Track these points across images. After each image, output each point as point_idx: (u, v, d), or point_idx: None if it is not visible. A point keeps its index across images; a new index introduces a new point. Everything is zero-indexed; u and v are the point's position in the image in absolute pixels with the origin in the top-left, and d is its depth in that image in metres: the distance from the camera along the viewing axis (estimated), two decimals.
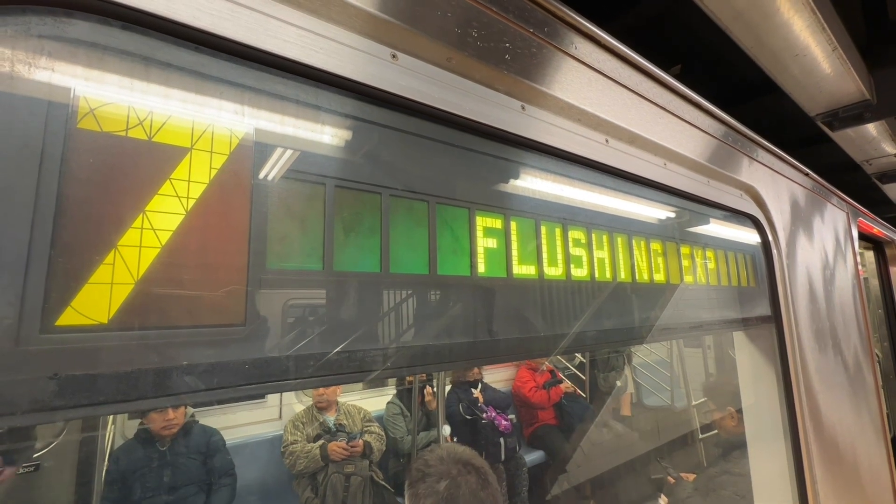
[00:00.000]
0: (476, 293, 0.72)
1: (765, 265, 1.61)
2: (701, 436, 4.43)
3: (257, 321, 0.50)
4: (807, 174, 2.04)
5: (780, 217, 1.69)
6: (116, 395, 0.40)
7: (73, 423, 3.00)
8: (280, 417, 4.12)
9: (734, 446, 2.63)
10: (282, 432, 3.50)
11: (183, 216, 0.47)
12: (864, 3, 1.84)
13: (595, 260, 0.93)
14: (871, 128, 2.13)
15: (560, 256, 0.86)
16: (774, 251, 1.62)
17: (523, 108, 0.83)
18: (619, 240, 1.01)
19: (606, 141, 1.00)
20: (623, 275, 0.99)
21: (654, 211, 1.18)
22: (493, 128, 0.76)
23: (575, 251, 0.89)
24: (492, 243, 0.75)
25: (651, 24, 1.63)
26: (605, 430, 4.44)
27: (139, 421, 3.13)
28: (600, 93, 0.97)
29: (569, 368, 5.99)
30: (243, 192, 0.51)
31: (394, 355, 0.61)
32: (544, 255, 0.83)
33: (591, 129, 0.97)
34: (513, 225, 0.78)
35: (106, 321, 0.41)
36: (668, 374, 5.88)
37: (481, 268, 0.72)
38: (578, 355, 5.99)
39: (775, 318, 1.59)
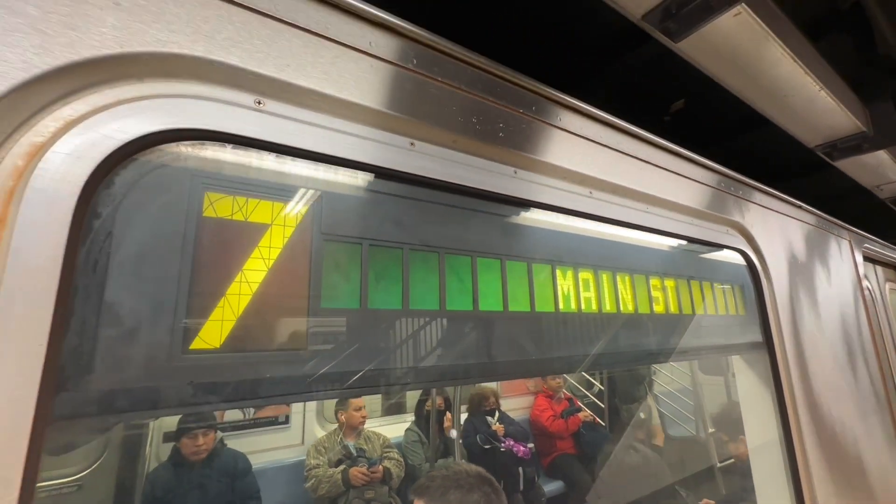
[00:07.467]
0: (478, 324, 0.89)
1: (756, 301, 1.70)
2: (719, 465, 4.31)
3: (314, 346, 0.69)
4: (799, 206, 2.15)
5: (771, 252, 1.80)
6: (228, 397, 0.59)
7: (112, 446, 3.23)
8: (303, 443, 4.25)
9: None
10: (304, 458, 3.62)
11: (265, 272, 0.67)
12: (854, 39, 1.91)
13: (581, 295, 1.09)
14: (873, 156, 2.17)
15: (549, 293, 1.03)
16: (766, 288, 1.72)
17: (515, 172, 1.02)
18: (604, 277, 1.17)
19: (590, 193, 1.19)
20: (608, 306, 1.15)
21: (640, 249, 1.34)
22: (490, 192, 0.95)
23: (563, 288, 1.06)
24: (489, 283, 0.93)
25: (653, 63, 1.69)
26: (626, 460, 4.37)
27: (172, 445, 3.33)
28: (583, 154, 1.16)
29: (588, 396, 5.94)
30: (305, 252, 0.71)
31: (413, 373, 0.79)
32: (535, 292, 1.00)
33: (575, 185, 1.16)
34: (507, 267, 0.97)
35: (218, 346, 0.61)
36: (691, 403, 5.74)
37: (482, 304, 0.90)
38: (597, 383, 5.96)
39: (769, 349, 1.67)
